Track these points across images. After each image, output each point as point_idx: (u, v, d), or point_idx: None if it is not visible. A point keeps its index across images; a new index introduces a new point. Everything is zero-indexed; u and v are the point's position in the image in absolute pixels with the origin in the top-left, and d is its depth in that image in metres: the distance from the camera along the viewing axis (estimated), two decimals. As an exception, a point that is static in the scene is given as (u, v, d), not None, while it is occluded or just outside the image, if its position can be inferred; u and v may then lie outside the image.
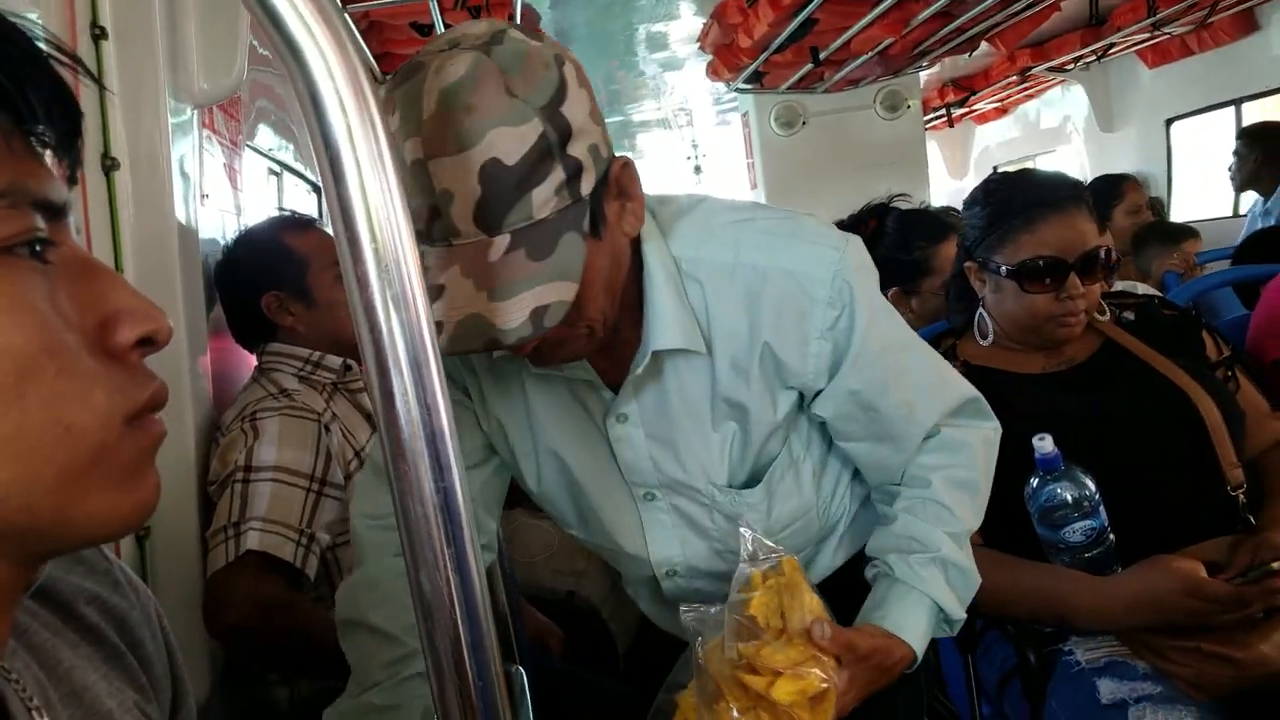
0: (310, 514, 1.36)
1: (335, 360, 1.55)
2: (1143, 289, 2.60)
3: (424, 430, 0.50)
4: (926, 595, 0.99)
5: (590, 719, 1.46)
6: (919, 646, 0.97)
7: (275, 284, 1.52)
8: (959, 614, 1.02)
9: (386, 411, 0.50)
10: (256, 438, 1.36)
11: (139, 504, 0.43)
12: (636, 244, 0.93)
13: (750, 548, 0.88)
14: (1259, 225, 3.71)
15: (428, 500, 0.50)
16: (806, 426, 1.09)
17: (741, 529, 0.90)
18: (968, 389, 1.10)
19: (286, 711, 1.40)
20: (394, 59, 2.83)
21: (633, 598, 1.27)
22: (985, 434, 1.11)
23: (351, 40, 0.49)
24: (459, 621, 0.50)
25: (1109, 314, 1.51)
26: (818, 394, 1.01)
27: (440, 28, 2.58)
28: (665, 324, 0.93)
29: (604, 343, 0.93)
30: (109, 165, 1.28)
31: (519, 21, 2.67)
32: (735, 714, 0.82)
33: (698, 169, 8.67)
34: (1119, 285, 2.36)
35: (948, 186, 7.99)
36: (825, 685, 0.83)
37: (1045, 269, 1.40)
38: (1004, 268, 1.43)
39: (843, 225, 2.08)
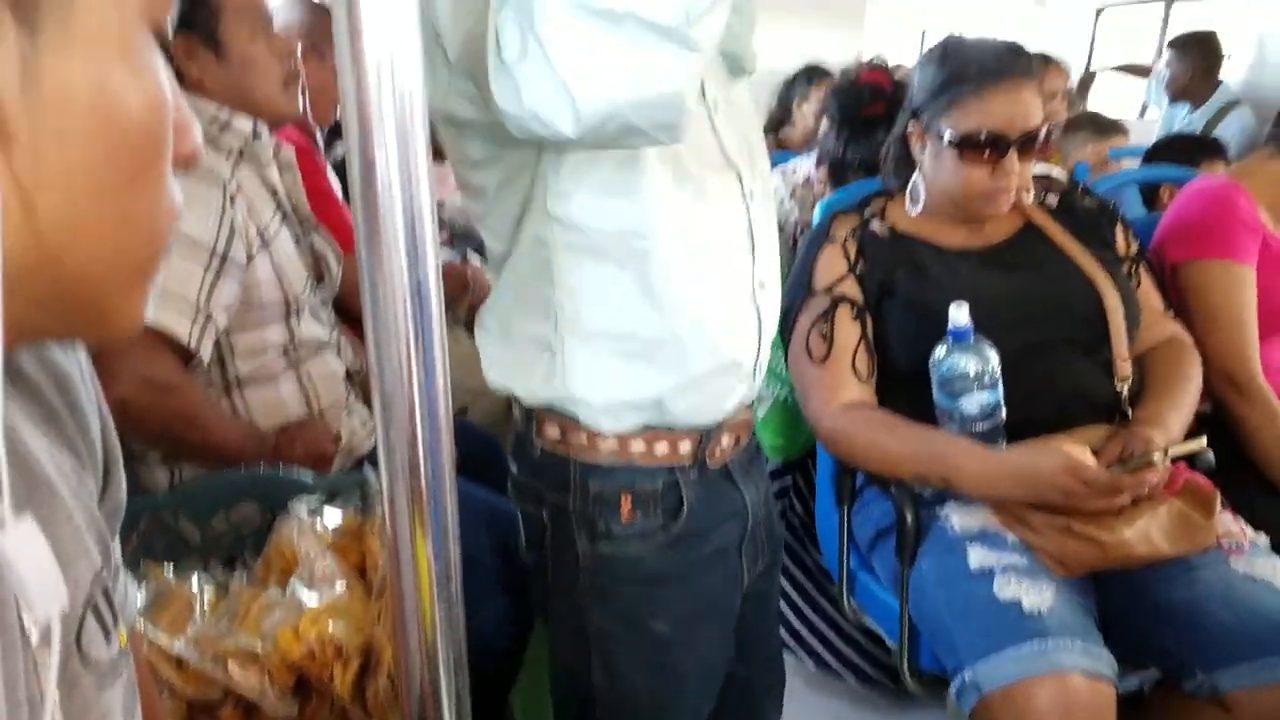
0: (209, 292, 1.27)
1: (245, 123, 1.39)
2: (1058, 172, 2.65)
3: (404, 207, 0.45)
4: None
5: (473, 533, 1.47)
6: None
7: (185, 26, 1.35)
8: None
9: (365, 183, 0.45)
10: None
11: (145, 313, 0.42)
12: None
13: None
14: (1177, 129, 3.82)
15: (399, 292, 0.46)
16: None
17: None
18: None
19: (165, 492, 1.35)
20: None
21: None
22: None
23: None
24: (418, 424, 0.47)
25: (1033, 196, 1.53)
26: None
27: None
28: None
29: None
30: None
31: None
32: None
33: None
34: (1039, 167, 2.39)
35: (881, 44, 7.85)
36: None
37: (987, 142, 1.39)
38: (948, 134, 1.41)
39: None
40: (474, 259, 2.57)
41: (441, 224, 3.20)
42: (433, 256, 0.49)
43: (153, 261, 0.41)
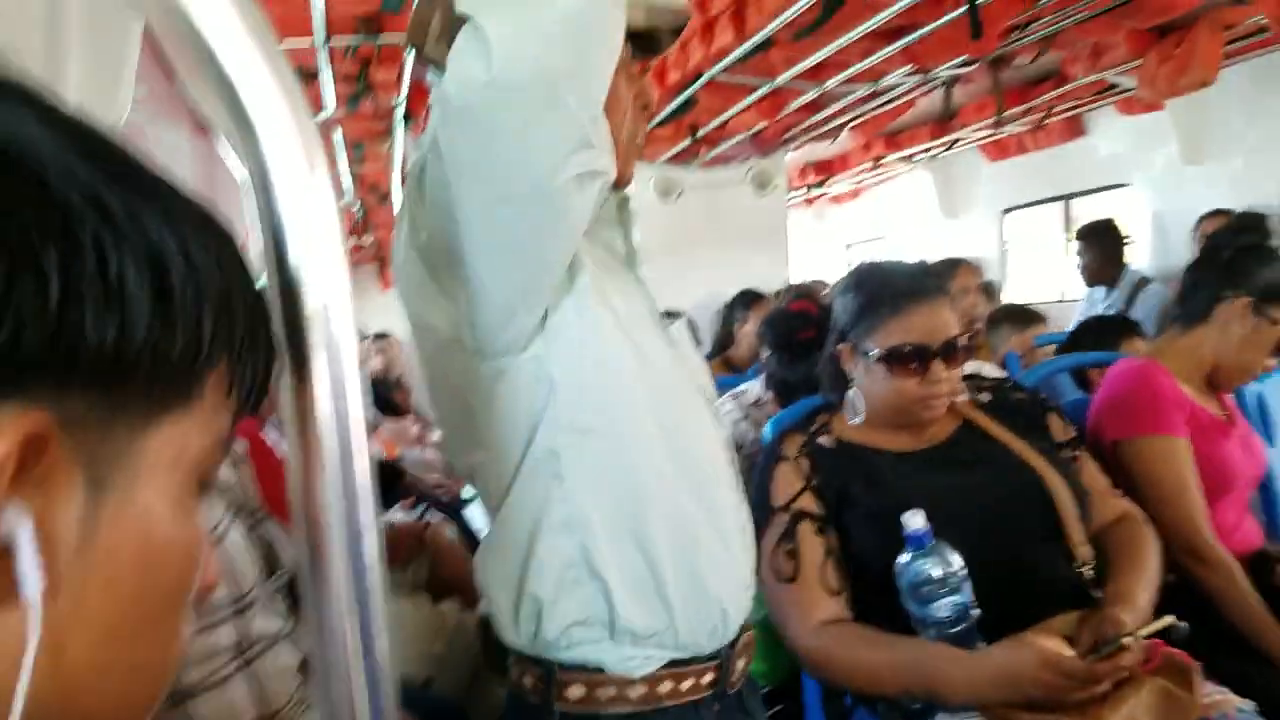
0: None
1: None
2: (989, 369, 2.79)
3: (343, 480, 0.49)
4: None
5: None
6: None
7: None
8: None
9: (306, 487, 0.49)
10: None
11: None
12: None
13: None
14: (1097, 311, 4.05)
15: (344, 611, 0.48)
16: None
17: None
18: None
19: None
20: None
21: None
22: None
23: (308, 114, 0.48)
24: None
25: (966, 396, 1.62)
26: None
27: (326, 76, 2.53)
28: None
29: None
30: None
31: (410, 75, 2.65)
32: None
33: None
34: (969, 366, 2.53)
35: (806, 261, 8.37)
36: None
37: (911, 354, 1.49)
38: (874, 352, 1.51)
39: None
40: (432, 517, 2.58)
41: (403, 485, 3.21)
42: (372, 537, 0.51)
43: (159, 698, 0.41)
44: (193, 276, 0.38)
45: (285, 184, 0.46)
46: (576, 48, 0.83)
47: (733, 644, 1.06)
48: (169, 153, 2.03)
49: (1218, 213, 3.71)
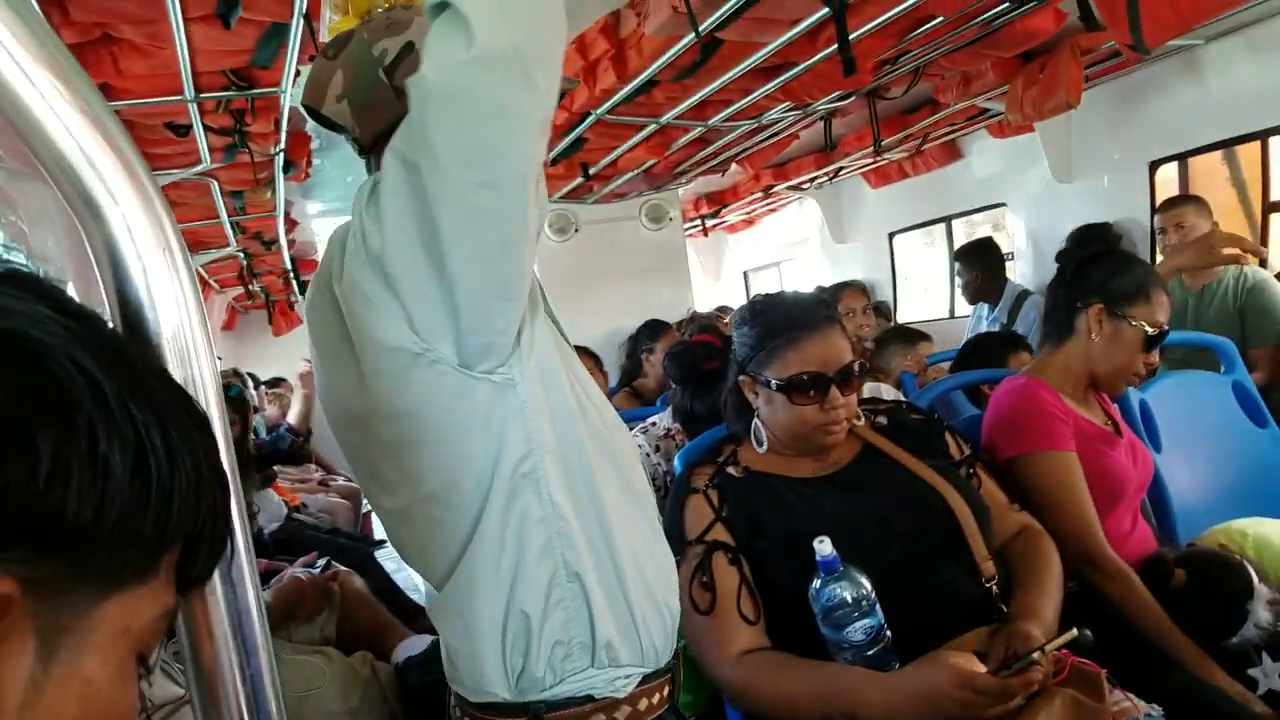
0: None
1: None
2: (885, 389, 2.87)
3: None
4: None
5: None
6: None
7: None
8: None
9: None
10: None
11: None
12: None
13: None
14: (983, 328, 4.22)
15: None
16: None
17: None
18: None
19: None
20: (149, 158, 2.63)
21: None
22: None
23: (159, 196, 0.46)
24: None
25: (864, 419, 1.65)
26: None
27: (199, 130, 2.45)
28: None
29: None
30: None
31: (287, 124, 2.59)
32: None
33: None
34: (867, 388, 2.59)
35: (707, 288, 8.50)
36: None
37: (809, 382, 1.52)
38: (773, 382, 1.54)
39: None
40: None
41: (304, 537, 3.10)
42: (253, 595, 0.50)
43: None
44: (169, 462, 0.40)
45: (136, 265, 0.43)
46: (544, 29, 0.89)
47: (675, 655, 1.14)
48: (34, 215, 1.92)
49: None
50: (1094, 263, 1.87)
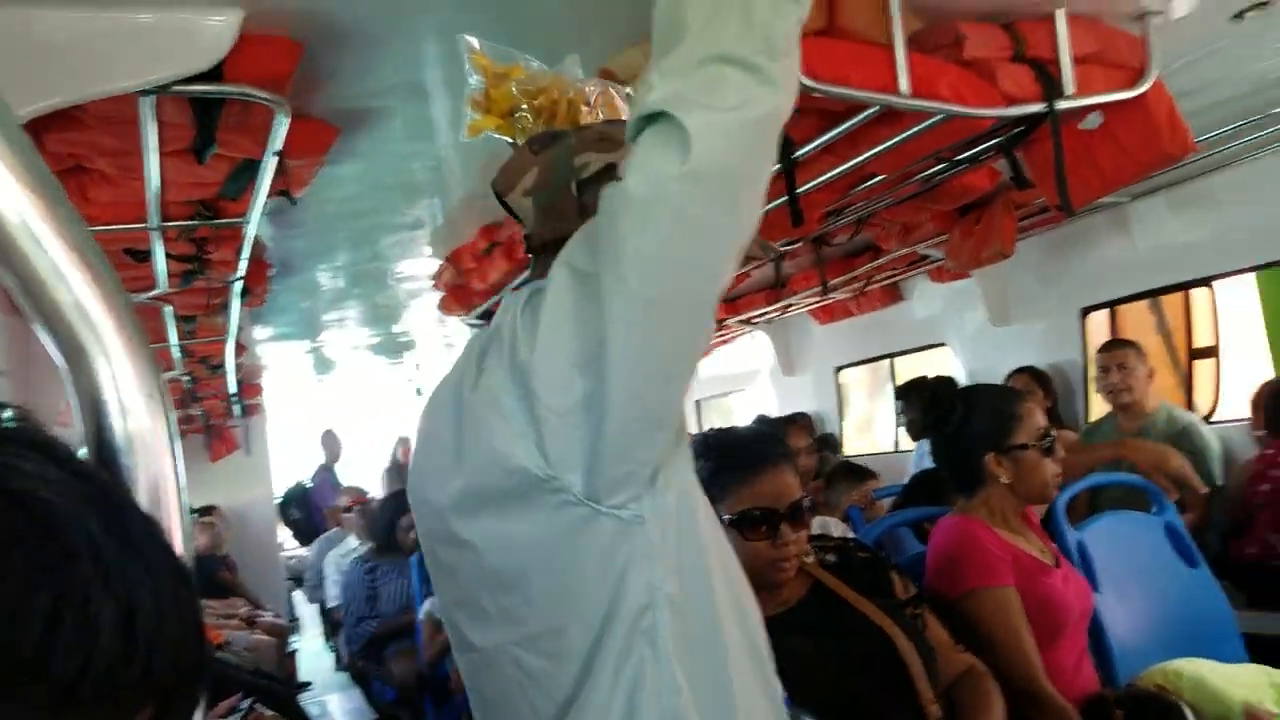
0: None
1: None
2: (834, 524, 2.90)
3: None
4: None
5: None
6: None
7: None
8: None
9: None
10: None
11: None
12: None
13: None
14: (926, 464, 4.28)
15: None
16: None
17: None
18: None
19: None
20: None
21: None
22: None
23: (142, 343, 0.48)
24: None
25: (814, 556, 1.67)
26: None
27: (159, 257, 2.47)
28: None
29: None
30: None
31: (249, 253, 2.63)
32: None
33: (419, 391, 8.70)
34: (815, 523, 2.62)
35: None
36: None
37: (760, 518, 1.54)
38: (725, 517, 1.56)
39: None
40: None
41: (225, 678, 2.97)
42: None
43: None
44: (155, 622, 0.41)
45: (118, 414, 0.46)
46: (758, 156, 0.87)
47: None
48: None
49: (1022, 370, 4.08)
50: (959, 421, 1.96)
